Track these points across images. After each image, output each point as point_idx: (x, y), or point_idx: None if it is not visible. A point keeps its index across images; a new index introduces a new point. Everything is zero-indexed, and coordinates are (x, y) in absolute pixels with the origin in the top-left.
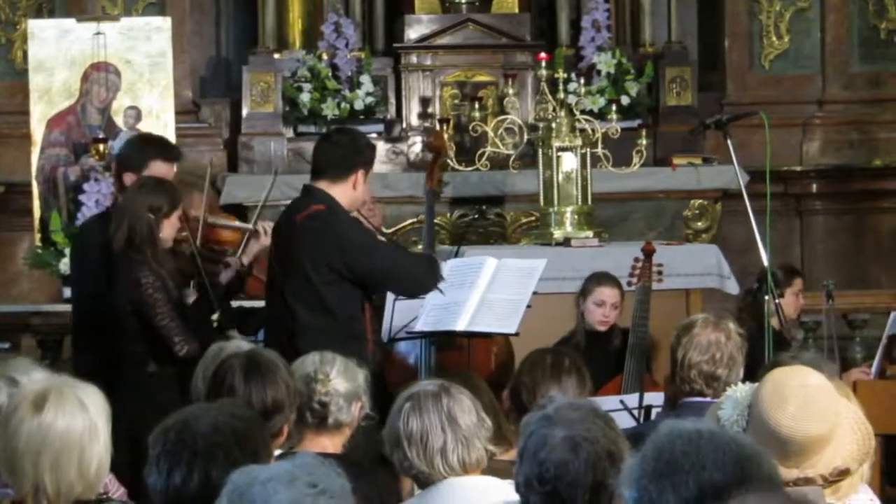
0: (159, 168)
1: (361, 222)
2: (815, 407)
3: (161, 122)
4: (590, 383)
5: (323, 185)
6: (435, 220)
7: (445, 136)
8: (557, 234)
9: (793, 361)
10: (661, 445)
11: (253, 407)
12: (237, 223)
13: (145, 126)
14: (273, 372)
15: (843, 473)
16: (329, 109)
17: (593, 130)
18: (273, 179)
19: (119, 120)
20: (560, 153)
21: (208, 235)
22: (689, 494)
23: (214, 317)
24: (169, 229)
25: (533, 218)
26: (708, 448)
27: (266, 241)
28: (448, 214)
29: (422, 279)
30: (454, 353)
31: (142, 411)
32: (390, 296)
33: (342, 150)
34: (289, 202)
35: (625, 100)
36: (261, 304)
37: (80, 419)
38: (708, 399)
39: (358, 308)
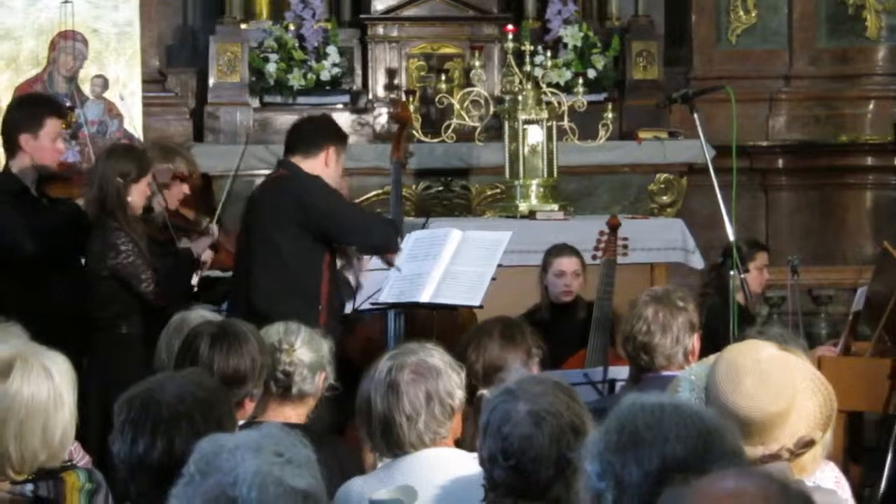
0: (54, 125)
1: (326, 182)
2: (771, 382)
3: (127, 91)
4: (542, 347)
5: (295, 160)
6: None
7: (411, 107)
8: (522, 206)
9: (759, 337)
10: (623, 419)
11: (214, 374)
12: None
13: (111, 95)
14: (241, 343)
15: (809, 444)
16: (295, 80)
17: (559, 103)
18: (244, 149)
19: (86, 88)
20: (526, 126)
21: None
22: (652, 467)
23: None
24: (138, 195)
25: (498, 190)
26: (671, 421)
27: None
28: (413, 186)
29: (381, 236)
30: (417, 325)
31: (113, 375)
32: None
33: (313, 126)
34: (255, 172)
35: (591, 73)
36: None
37: (45, 387)
38: (671, 373)
39: (315, 265)
